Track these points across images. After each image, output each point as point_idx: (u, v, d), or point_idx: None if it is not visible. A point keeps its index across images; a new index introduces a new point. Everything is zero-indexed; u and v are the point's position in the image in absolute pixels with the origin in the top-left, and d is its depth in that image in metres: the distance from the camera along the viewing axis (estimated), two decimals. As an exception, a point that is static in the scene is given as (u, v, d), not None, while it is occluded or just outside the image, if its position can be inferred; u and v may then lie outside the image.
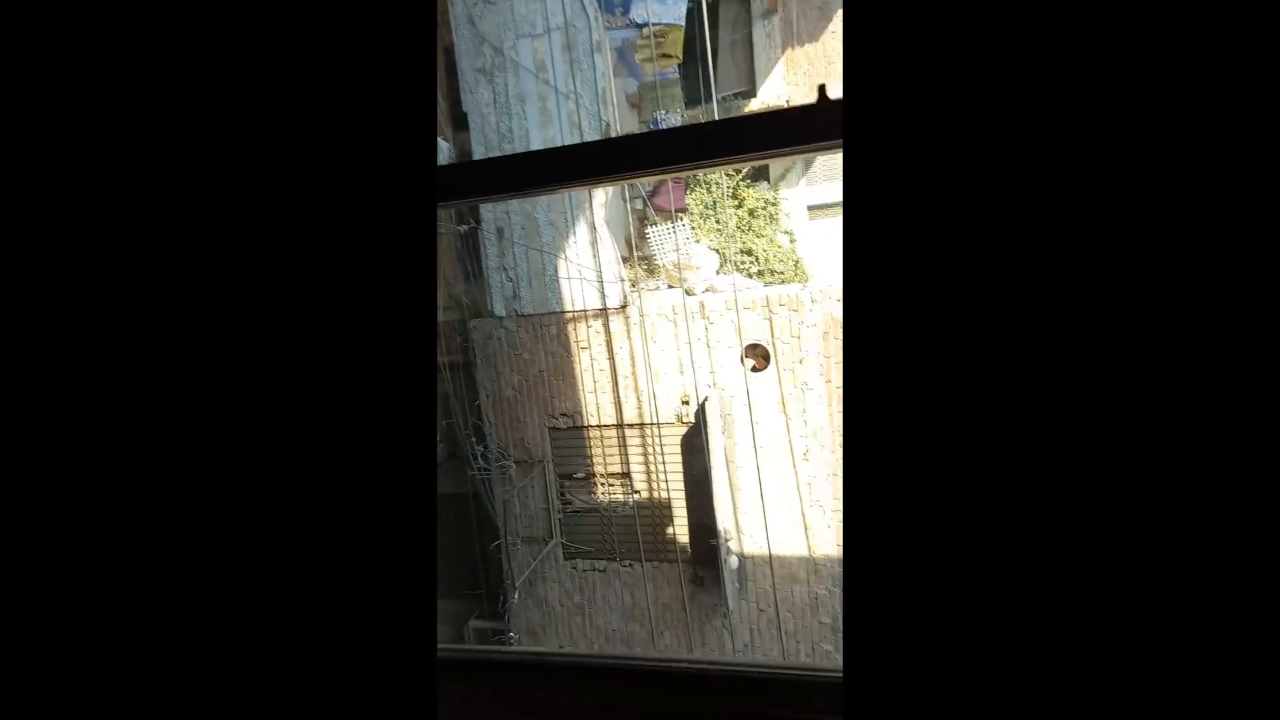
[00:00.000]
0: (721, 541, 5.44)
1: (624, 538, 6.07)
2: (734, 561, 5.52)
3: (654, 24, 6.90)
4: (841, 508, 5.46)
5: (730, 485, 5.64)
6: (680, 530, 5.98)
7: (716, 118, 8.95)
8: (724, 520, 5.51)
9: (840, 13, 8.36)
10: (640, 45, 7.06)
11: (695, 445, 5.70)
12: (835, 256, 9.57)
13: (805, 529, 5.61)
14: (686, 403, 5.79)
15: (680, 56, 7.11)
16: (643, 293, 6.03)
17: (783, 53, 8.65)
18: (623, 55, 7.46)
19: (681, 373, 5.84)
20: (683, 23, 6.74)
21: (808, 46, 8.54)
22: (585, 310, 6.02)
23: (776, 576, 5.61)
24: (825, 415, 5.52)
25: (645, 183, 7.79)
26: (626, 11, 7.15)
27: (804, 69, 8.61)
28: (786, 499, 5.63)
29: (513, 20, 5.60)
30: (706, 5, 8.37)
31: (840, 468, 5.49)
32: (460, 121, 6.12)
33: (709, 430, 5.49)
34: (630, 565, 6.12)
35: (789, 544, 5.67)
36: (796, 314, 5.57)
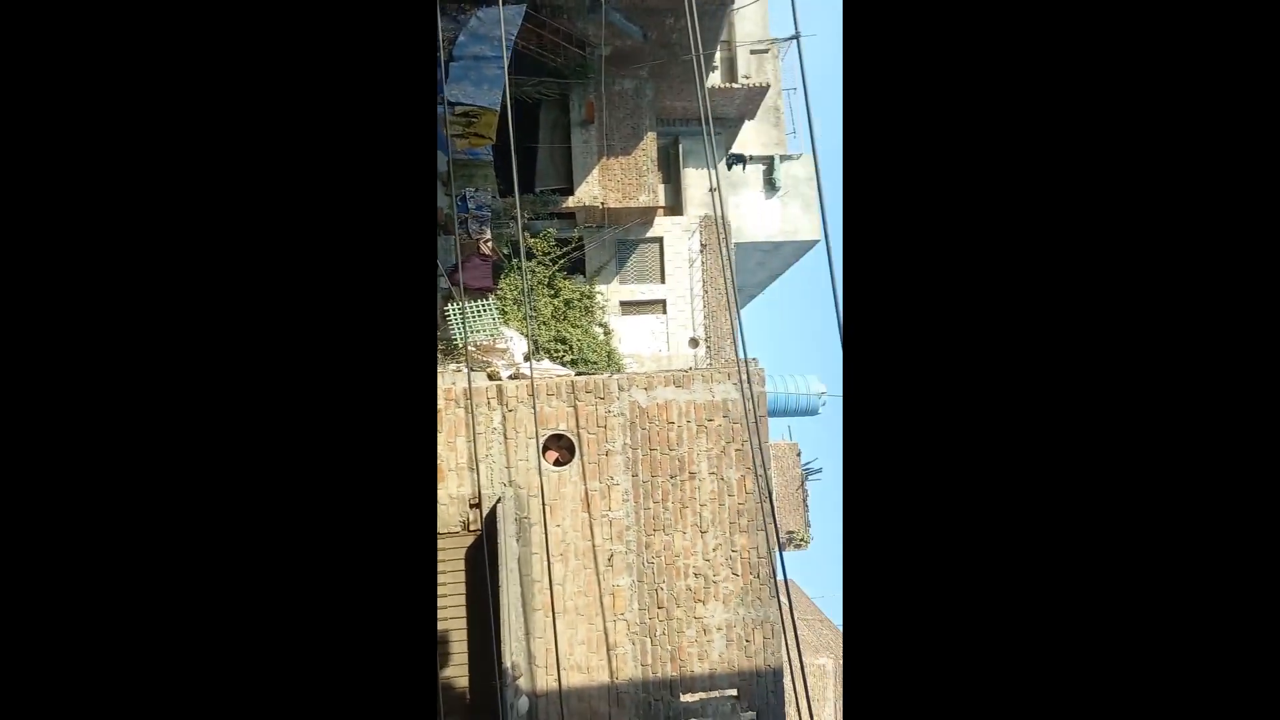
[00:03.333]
0: (509, 680, 4.32)
1: (383, 688, 4.55)
2: (524, 704, 4.40)
3: (467, 104, 6.58)
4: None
5: (524, 606, 4.63)
6: (457, 671, 4.70)
7: (534, 209, 8.79)
8: (513, 652, 4.43)
9: (650, 134, 9.04)
10: (451, 122, 6.63)
11: (481, 560, 4.65)
12: (645, 347, 9.67)
13: (608, 649, 4.78)
14: (475, 506, 4.79)
15: (493, 138, 6.82)
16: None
17: (598, 160, 8.99)
18: (434, 129, 6.97)
19: (472, 469, 4.88)
20: (496, 108, 6.52)
21: (621, 157, 9.01)
22: (355, 392, 4.83)
23: (575, 714, 4.60)
24: (631, 513, 4.96)
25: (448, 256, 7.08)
26: (439, 91, 6.74)
27: (617, 176, 9.02)
28: (588, 614, 4.79)
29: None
30: (523, 106, 8.45)
31: (645, 572, 4.88)
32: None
33: (501, 538, 4.53)
34: (390, 725, 4.57)
35: (590, 669, 4.75)
36: (603, 402, 5.10)
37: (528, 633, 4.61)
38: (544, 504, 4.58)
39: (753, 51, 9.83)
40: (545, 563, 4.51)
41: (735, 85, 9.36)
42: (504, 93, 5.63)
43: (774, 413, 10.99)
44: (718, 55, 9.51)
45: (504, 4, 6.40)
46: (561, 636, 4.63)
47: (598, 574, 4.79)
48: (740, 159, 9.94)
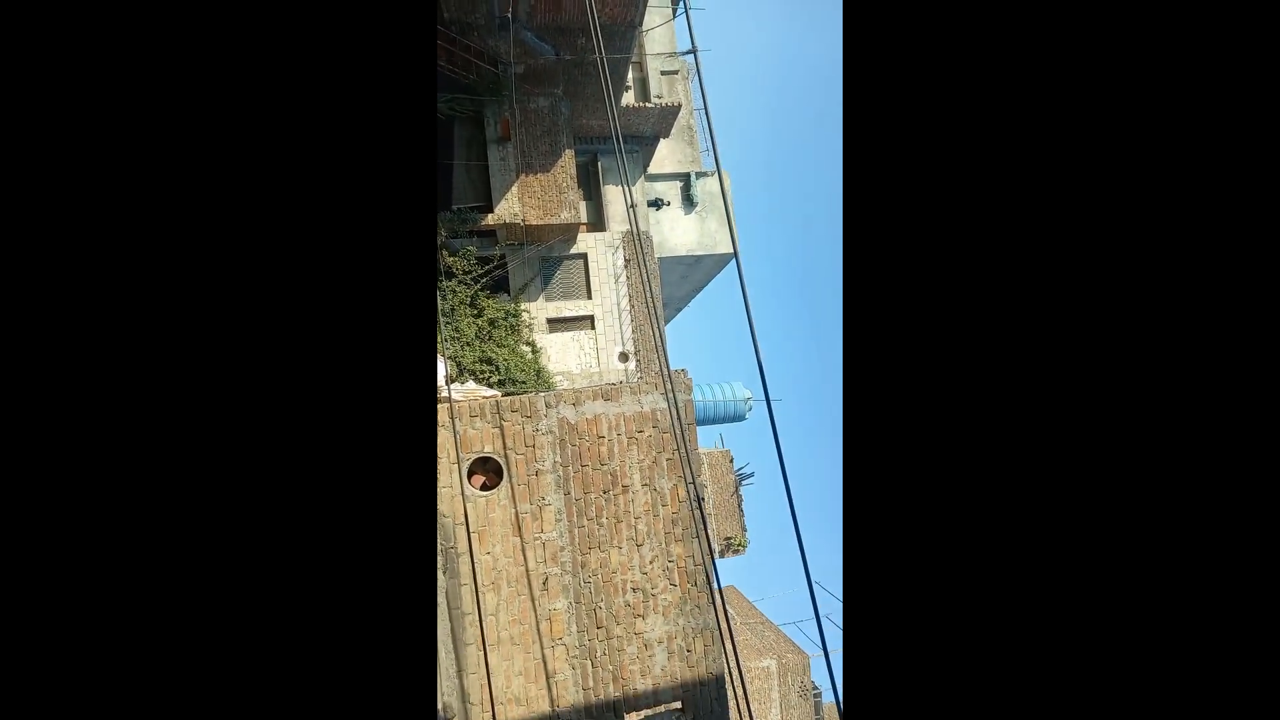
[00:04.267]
0: (441, 724, 4.03)
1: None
2: (459, 748, 4.12)
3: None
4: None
5: (454, 641, 4.36)
6: (386, 719, 4.32)
7: (452, 227, 8.51)
8: (445, 692, 4.15)
9: (568, 151, 9.05)
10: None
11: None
12: (574, 363, 9.57)
13: (548, 678, 4.58)
14: (397, 539, 4.47)
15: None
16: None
17: (517, 177, 8.88)
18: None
19: (392, 500, 4.56)
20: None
21: (540, 175, 8.94)
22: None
23: (516, 752, 4.35)
24: (565, 533, 4.83)
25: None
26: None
27: (537, 193, 8.94)
28: (524, 643, 4.59)
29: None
30: (436, 121, 8.22)
31: (583, 593, 4.75)
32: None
33: (426, 571, 4.24)
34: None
35: (529, 701, 4.53)
36: (530, 420, 4.95)
37: (460, 669, 4.34)
38: (469, 531, 4.36)
39: (663, 73, 10.14)
40: (475, 594, 4.27)
41: (648, 105, 9.60)
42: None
43: (703, 421, 11.19)
44: (631, 75, 9.73)
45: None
46: (497, 670, 4.40)
47: (533, 600, 4.61)
48: (657, 203, 10.19)
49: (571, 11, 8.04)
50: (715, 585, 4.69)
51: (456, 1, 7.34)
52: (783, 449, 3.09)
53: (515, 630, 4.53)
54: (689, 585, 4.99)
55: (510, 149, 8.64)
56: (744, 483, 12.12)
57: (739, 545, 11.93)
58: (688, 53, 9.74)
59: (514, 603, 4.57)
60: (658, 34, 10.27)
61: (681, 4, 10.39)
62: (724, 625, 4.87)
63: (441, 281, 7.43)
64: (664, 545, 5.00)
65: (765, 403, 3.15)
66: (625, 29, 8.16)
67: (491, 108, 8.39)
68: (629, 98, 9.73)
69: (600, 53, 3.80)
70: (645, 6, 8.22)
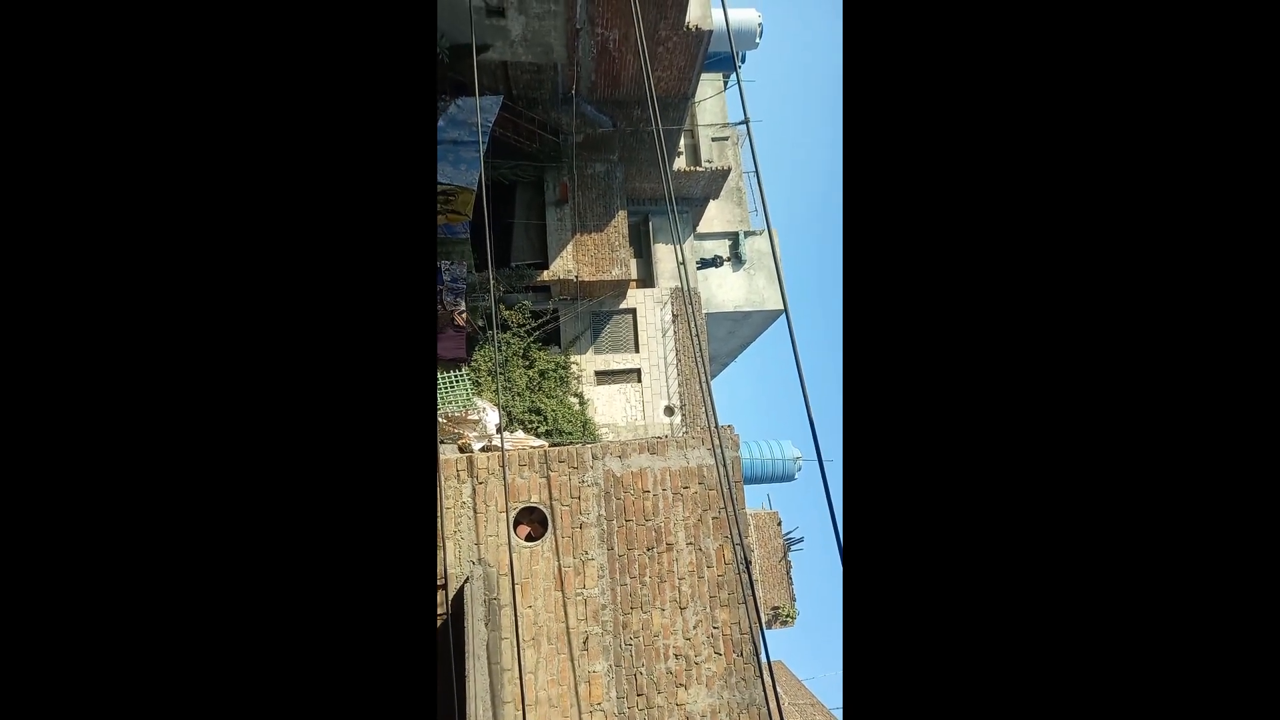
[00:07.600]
0: (474, 788, 3.88)
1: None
2: (490, 817, 3.93)
3: (445, 184, 6.86)
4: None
5: (492, 698, 4.26)
6: (419, 778, 4.21)
7: (509, 282, 8.97)
8: (480, 753, 4.02)
9: (621, 212, 9.49)
10: (430, 200, 6.89)
11: (446, 647, 4.31)
12: (620, 416, 9.62)
13: (585, 747, 4.38)
14: (442, 587, 4.50)
15: (470, 215, 7.07)
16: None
17: (572, 236, 9.35)
18: (411, 208, 7.19)
19: (440, 547, 4.64)
20: (474, 187, 6.81)
21: (594, 234, 9.39)
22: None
23: (549, 827, 4.12)
24: (607, 590, 4.73)
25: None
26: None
27: (591, 251, 9.35)
28: (562, 706, 4.43)
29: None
30: (499, 186, 8.86)
31: (623, 655, 4.58)
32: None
33: (469, 621, 4.23)
34: None
35: (566, 772, 4.32)
36: (577, 471, 4.99)
37: (495, 731, 4.21)
38: (514, 583, 4.35)
39: (714, 139, 10.62)
40: (516, 649, 4.21)
41: (699, 169, 10.02)
42: (480, 173, 5.90)
43: (750, 479, 10.87)
44: (682, 142, 10.24)
45: (481, 95, 6.86)
46: (533, 733, 4.25)
47: (572, 659, 4.48)
48: (710, 262, 10.48)
49: (628, 86, 8.66)
50: (764, 657, 4.43)
51: (526, 80, 8.05)
52: (836, 513, 2.98)
53: (554, 691, 4.39)
54: (734, 655, 4.74)
55: (567, 210, 9.16)
56: (793, 548, 11.54)
57: (787, 616, 11.23)
58: (740, 123, 10.22)
59: (553, 661, 4.46)
60: (709, 104, 10.85)
61: (733, 76, 10.99)
62: (773, 703, 4.55)
63: (496, 334, 7.78)
64: (708, 610, 4.80)
65: (817, 463, 3.07)
66: (679, 101, 8.69)
67: (551, 173, 8.97)
68: (680, 162, 10.20)
69: (656, 124, 4.07)
70: (698, 81, 8.76)
